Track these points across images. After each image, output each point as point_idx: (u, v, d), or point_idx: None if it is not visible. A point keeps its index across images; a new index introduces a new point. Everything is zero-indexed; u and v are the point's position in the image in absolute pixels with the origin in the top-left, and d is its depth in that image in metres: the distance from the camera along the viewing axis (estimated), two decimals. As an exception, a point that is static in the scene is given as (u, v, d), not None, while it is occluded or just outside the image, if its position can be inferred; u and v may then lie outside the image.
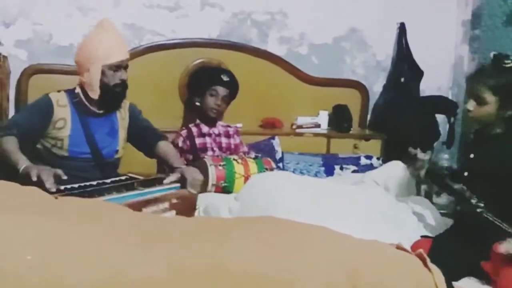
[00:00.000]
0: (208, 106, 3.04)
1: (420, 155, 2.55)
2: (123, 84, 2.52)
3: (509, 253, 2.00)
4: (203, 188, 2.64)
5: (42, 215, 1.44)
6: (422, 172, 2.53)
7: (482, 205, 2.14)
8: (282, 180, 2.57)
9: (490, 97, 2.24)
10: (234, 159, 2.78)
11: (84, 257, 1.22)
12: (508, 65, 2.24)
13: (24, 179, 2.08)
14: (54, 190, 2.03)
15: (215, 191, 2.66)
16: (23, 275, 1.16)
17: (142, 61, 3.31)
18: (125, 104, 2.66)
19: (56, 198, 1.70)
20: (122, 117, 2.63)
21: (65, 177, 2.13)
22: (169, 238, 1.43)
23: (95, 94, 2.48)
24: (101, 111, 2.54)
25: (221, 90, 3.05)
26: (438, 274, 1.33)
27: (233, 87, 3.13)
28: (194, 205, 2.27)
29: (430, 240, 2.36)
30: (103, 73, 2.45)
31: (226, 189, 2.67)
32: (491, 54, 2.32)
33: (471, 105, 2.29)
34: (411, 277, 1.32)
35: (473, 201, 2.15)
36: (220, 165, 2.71)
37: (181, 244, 1.39)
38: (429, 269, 1.34)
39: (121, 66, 2.48)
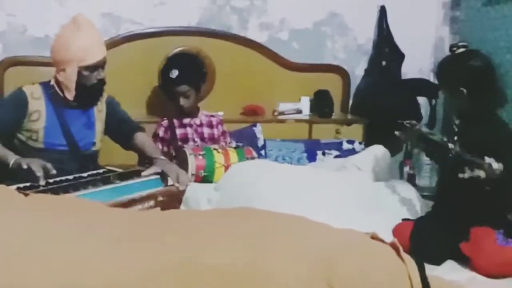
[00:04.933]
0: (177, 106, 3.01)
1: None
2: (101, 82, 2.49)
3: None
4: None
5: (9, 214, 1.42)
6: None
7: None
8: (262, 169, 2.56)
9: (441, 91, 2.30)
10: (214, 149, 2.76)
11: (51, 258, 1.21)
12: (458, 51, 2.26)
13: (15, 173, 2.14)
14: (43, 183, 2.07)
15: (195, 181, 2.65)
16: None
17: (121, 51, 3.28)
18: (102, 96, 2.63)
19: (27, 195, 1.68)
20: (99, 110, 2.61)
21: (54, 172, 2.16)
22: (143, 235, 1.42)
23: (70, 95, 2.46)
24: (58, 105, 2.50)
25: (180, 88, 2.97)
26: (411, 264, 1.33)
27: (189, 77, 3.02)
28: (180, 200, 2.28)
29: (412, 222, 2.37)
30: (79, 74, 2.43)
31: (206, 179, 2.65)
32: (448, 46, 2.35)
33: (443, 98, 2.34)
34: (385, 268, 1.32)
35: (450, 145, 2.17)
36: (199, 154, 2.69)
37: (155, 240, 1.38)
38: (403, 259, 1.34)
39: (98, 66, 2.45)
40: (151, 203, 2.15)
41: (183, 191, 2.34)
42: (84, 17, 2.48)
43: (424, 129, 2.45)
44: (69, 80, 2.43)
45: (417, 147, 2.60)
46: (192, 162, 2.64)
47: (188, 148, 2.76)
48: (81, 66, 2.41)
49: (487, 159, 1.99)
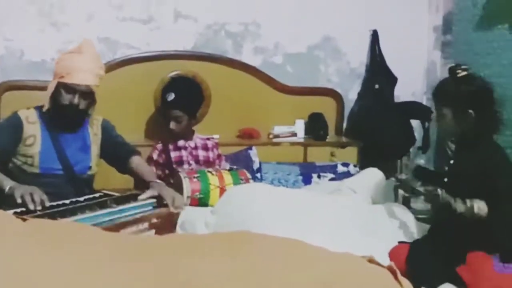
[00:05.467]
0: (168, 128, 3.03)
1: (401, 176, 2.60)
2: (74, 108, 2.45)
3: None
4: None
5: (7, 240, 1.42)
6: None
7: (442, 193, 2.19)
8: (258, 192, 2.57)
9: (443, 110, 2.29)
10: (208, 171, 2.78)
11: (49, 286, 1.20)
12: (460, 74, 2.27)
13: (10, 199, 2.13)
14: (39, 208, 2.06)
15: (191, 204, 2.65)
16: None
17: (117, 75, 3.31)
18: (98, 120, 2.64)
19: (25, 220, 1.67)
20: (94, 133, 2.62)
21: (48, 204, 2.14)
22: (139, 260, 1.42)
23: (45, 107, 2.47)
24: (53, 129, 2.49)
25: (172, 113, 3.00)
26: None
27: (188, 100, 3.05)
28: (175, 224, 2.27)
29: (408, 245, 2.38)
30: (57, 89, 2.44)
31: (202, 201, 2.66)
32: (448, 67, 2.37)
33: (435, 120, 2.38)
34: (382, 292, 1.33)
35: (439, 192, 2.20)
36: (194, 177, 2.70)
37: (151, 266, 1.37)
38: (400, 283, 1.35)
39: (75, 90, 2.43)
40: (145, 225, 2.14)
41: (178, 214, 2.34)
42: (91, 44, 2.53)
43: (411, 179, 2.49)
44: (47, 92, 2.46)
45: (413, 195, 2.68)
46: (187, 185, 2.65)
47: (182, 171, 2.77)
48: (60, 82, 2.42)
49: (470, 203, 2.07)
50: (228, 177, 2.77)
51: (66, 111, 2.45)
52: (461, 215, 2.11)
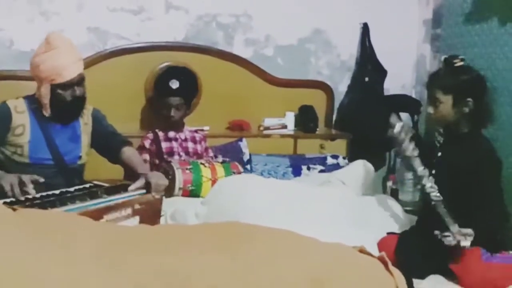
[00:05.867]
0: (165, 116, 3.04)
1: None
2: (78, 99, 2.47)
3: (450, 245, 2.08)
4: (170, 192, 2.64)
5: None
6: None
7: (437, 195, 2.20)
8: (248, 183, 2.59)
9: (442, 97, 2.30)
10: (201, 163, 2.78)
11: (40, 278, 1.20)
12: (458, 64, 2.31)
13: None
14: (34, 195, 2.08)
15: (183, 195, 2.66)
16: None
17: (107, 65, 3.29)
18: (88, 109, 2.63)
19: (15, 210, 1.67)
20: (84, 122, 2.60)
21: (42, 180, 2.16)
22: (129, 253, 1.40)
23: (46, 112, 2.46)
24: (42, 119, 2.48)
25: (173, 100, 3.01)
26: (399, 278, 1.35)
27: (187, 89, 3.09)
28: (159, 211, 2.24)
29: (396, 236, 2.41)
30: (53, 91, 2.42)
31: (193, 193, 2.67)
32: (442, 58, 2.39)
33: (430, 108, 2.36)
34: (374, 282, 1.34)
35: (429, 184, 2.22)
36: (187, 168, 2.71)
37: (141, 260, 1.36)
38: (391, 273, 1.36)
39: (72, 84, 2.43)
40: (129, 211, 2.09)
41: (160, 200, 2.28)
42: (58, 35, 2.48)
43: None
44: (43, 98, 2.44)
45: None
46: (179, 176, 2.66)
47: (175, 162, 2.77)
48: (53, 84, 2.41)
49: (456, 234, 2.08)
50: (220, 170, 2.78)
51: (72, 105, 2.47)
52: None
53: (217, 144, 3.28)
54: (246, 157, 3.32)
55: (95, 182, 2.40)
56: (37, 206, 1.97)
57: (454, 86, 2.30)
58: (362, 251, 1.50)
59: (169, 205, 2.47)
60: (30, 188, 2.12)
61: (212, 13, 3.57)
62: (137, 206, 2.12)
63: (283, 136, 3.55)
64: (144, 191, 2.32)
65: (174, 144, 3.03)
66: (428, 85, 2.42)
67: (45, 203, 2.01)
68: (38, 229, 1.53)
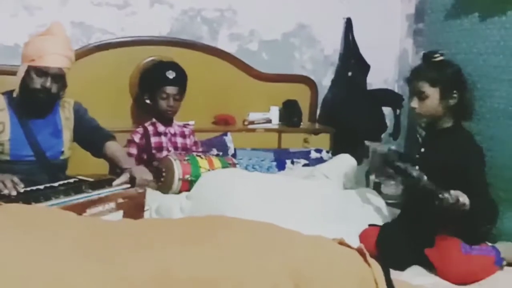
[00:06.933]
0: (162, 108, 3.03)
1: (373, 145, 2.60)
2: (46, 92, 2.41)
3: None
4: (169, 186, 2.65)
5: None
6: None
7: (424, 177, 2.20)
8: (233, 177, 2.61)
9: (429, 90, 2.33)
10: (197, 155, 2.80)
11: (25, 273, 1.21)
12: (437, 59, 2.35)
13: None
14: (14, 194, 2.04)
15: (182, 187, 2.64)
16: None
17: (92, 60, 3.28)
18: (69, 103, 2.60)
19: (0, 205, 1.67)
20: (66, 117, 2.57)
21: (22, 185, 2.12)
22: (113, 247, 1.41)
23: (15, 92, 2.43)
24: (23, 115, 2.45)
25: (171, 90, 3.03)
26: (377, 269, 1.38)
27: (182, 80, 3.11)
28: (143, 205, 2.25)
29: (378, 228, 2.45)
30: (27, 73, 2.40)
31: (193, 184, 2.63)
32: (421, 53, 2.43)
33: (415, 102, 2.37)
34: (352, 274, 1.37)
35: (415, 173, 2.24)
36: (185, 160, 2.71)
37: (125, 253, 1.38)
38: (369, 264, 1.40)
39: (47, 74, 2.39)
40: (112, 205, 2.10)
41: (143, 194, 2.28)
42: (61, 26, 2.48)
43: (389, 151, 2.51)
44: (17, 77, 2.41)
45: (383, 175, 2.68)
46: (178, 167, 2.65)
47: (171, 155, 2.78)
48: (31, 66, 2.38)
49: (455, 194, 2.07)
50: (217, 161, 2.80)
51: (38, 95, 2.41)
52: (442, 205, 2.09)
53: (202, 139, 3.29)
54: (231, 151, 3.34)
55: (80, 177, 2.40)
56: (21, 201, 1.97)
57: (441, 79, 2.32)
58: (342, 243, 1.53)
59: (154, 200, 2.48)
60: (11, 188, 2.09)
61: (196, 7, 3.58)
62: (120, 200, 2.13)
63: (267, 130, 3.58)
64: (129, 185, 2.33)
65: (164, 139, 3.03)
66: (411, 79, 2.43)
67: (29, 198, 2.01)
68: (22, 223, 1.54)
